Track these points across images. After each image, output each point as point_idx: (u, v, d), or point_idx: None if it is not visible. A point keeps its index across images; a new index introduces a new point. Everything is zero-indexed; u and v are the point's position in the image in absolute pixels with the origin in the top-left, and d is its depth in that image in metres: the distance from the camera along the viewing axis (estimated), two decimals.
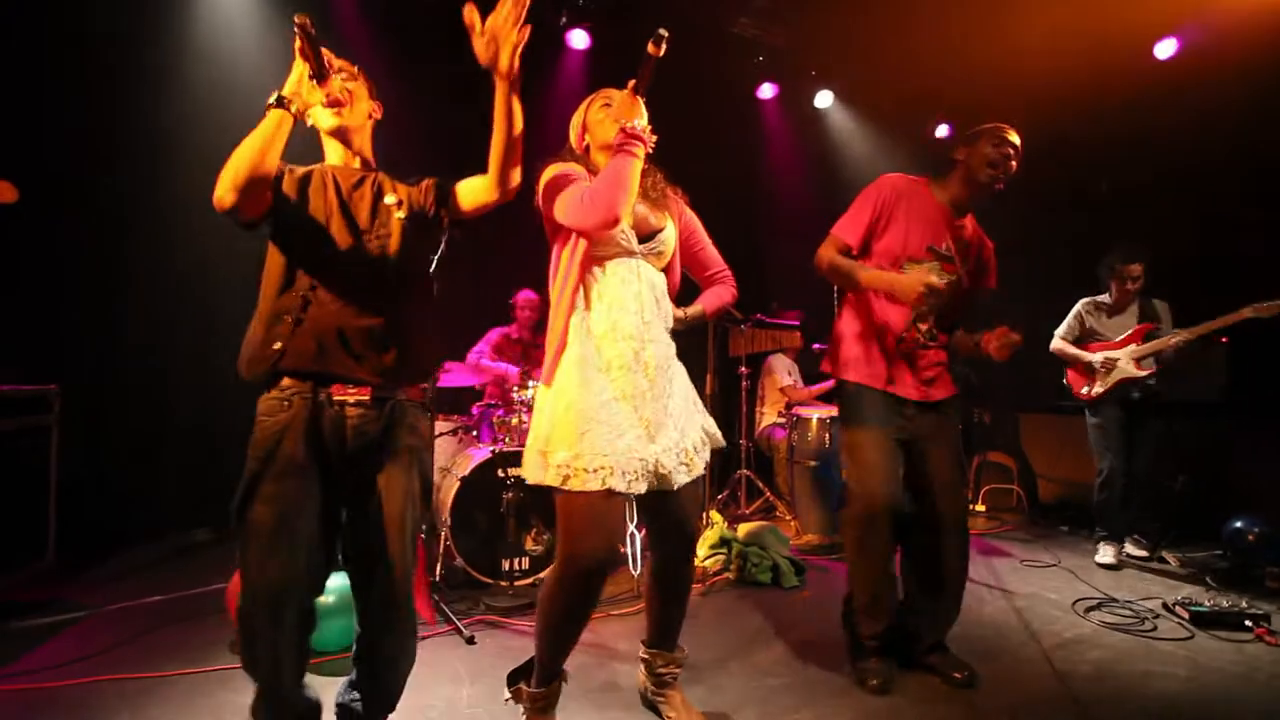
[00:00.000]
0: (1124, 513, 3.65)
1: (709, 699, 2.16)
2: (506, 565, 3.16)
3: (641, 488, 1.70)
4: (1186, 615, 2.82)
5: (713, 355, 3.83)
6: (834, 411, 4.10)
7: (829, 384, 4.86)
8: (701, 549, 3.57)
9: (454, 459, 3.58)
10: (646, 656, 2.04)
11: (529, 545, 3.21)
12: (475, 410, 3.86)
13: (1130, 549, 3.77)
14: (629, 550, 3.36)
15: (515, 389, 3.53)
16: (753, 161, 6.14)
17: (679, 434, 1.82)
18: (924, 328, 2.29)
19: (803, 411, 4.20)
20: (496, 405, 3.70)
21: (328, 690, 2.13)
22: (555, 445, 1.69)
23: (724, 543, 3.53)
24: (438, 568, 3.08)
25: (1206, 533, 3.82)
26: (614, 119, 1.82)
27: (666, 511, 1.85)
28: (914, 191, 2.31)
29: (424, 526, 3.12)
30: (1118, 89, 4.60)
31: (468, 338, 4.21)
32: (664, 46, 1.66)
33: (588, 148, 1.98)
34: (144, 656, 2.40)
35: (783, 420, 4.40)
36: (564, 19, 5.03)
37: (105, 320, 3.80)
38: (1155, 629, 2.74)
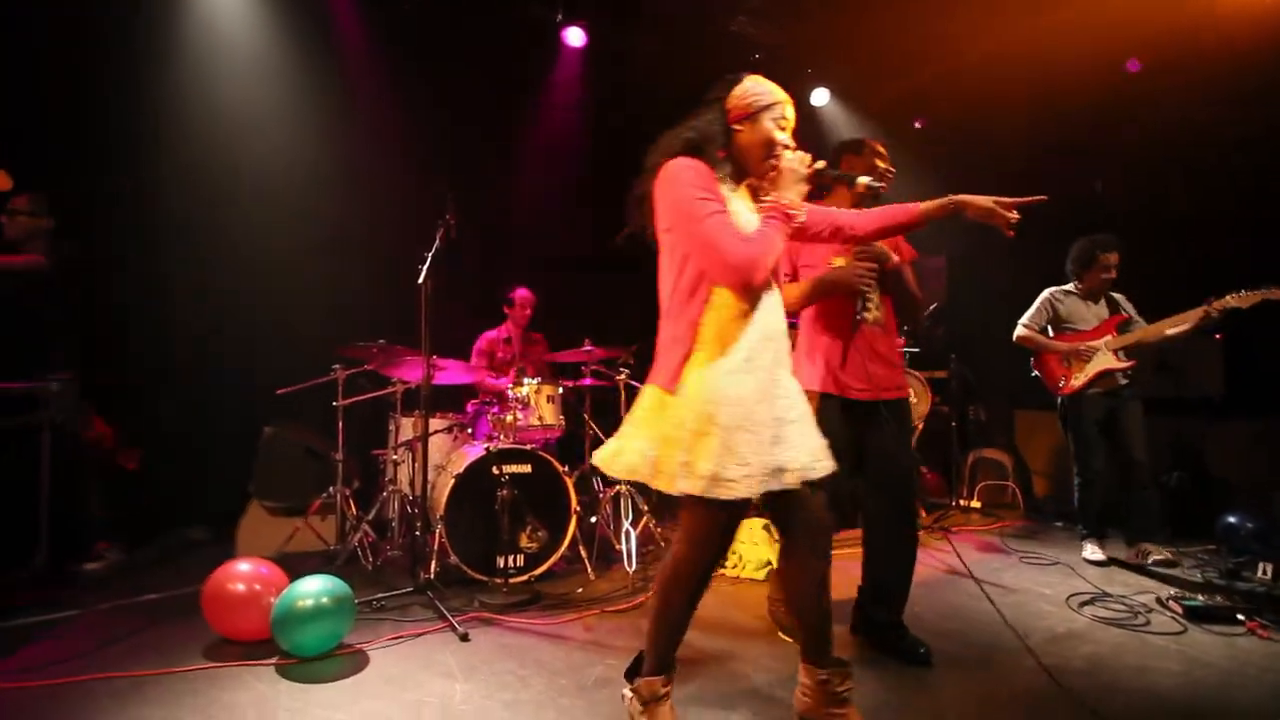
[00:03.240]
0: (1105, 511, 3.64)
1: (701, 695, 2.16)
2: (501, 562, 3.15)
3: (770, 487, 1.67)
4: (1179, 610, 2.82)
5: None
6: None
7: None
8: None
9: (449, 456, 3.58)
10: (825, 677, 1.87)
11: (524, 542, 3.21)
12: (470, 408, 3.86)
13: (1149, 558, 3.48)
14: (624, 548, 3.37)
15: (510, 387, 3.53)
16: None
17: (800, 435, 1.77)
18: (871, 307, 2.42)
19: None
20: (492, 403, 3.70)
21: (301, 695, 2.14)
22: (698, 455, 1.64)
23: None
24: (432, 565, 3.08)
25: (1199, 528, 3.82)
26: (781, 175, 1.80)
27: (799, 513, 1.81)
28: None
29: (418, 524, 3.12)
30: (1096, 91, 4.64)
31: (460, 335, 4.20)
32: (868, 192, 1.94)
33: (735, 132, 1.82)
34: (135, 655, 2.39)
35: None
36: (560, 15, 5.03)
37: (103, 320, 3.80)
38: (1148, 624, 2.74)
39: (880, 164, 2.48)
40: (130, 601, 2.92)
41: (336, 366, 3.58)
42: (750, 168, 1.85)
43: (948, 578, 3.38)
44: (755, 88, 1.83)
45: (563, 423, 3.68)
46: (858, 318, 2.36)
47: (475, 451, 3.27)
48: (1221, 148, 4.25)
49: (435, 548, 3.14)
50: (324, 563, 3.30)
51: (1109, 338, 3.56)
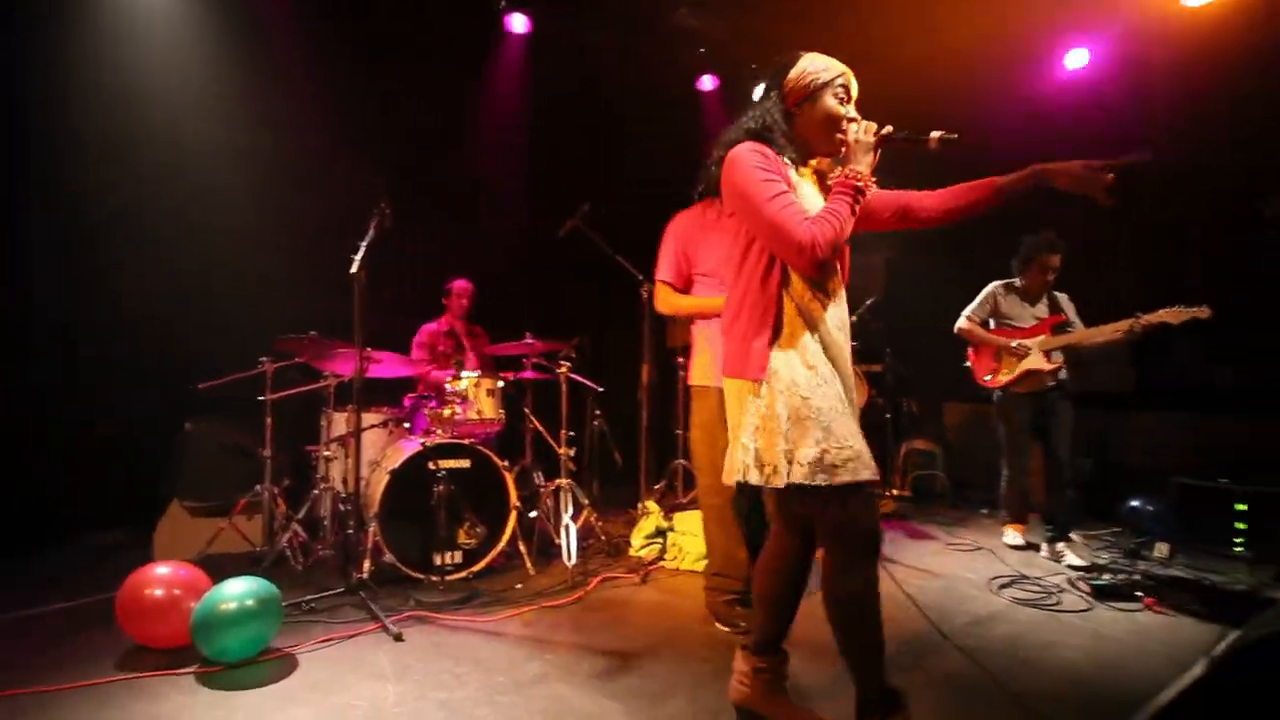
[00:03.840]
0: (1027, 502, 3.78)
1: (642, 686, 2.18)
2: (438, 560, 3.10)
3: (869, 473, 1.62)
4: (1088, 589, 3.01)
5: (649, 345, 3.85)
6: None
7: None
8: (636, 539, 3.60)
9: (384, 452, 3.49)
10: (761, 665, 1.86)
11: (462, 539, 3.16)
12: (407, 401, 3.77)
13: (1063, 559, 3.52)
14: (564, 542, 3.36)
15: (448, 380, 3.46)
16: (693, 153, 6.16)
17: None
18: None
19: None
20: (429, 397, 3.61)
21: (223, 704, 2.06)
22: (799, 443, 1.61)
23: (659, 533, 3.57)
24: (365, 564, 3.00)
25: (1106, 512, 4.08)
26: (849, 148, 1.73)
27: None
28: (705, 217, 2.71)
29: (351, 522, 3.04)
30: (1029, 94, 4.81)
31: (396, 327, 4.09)
32: (941, 147, 1.73)
33: (795, 115, 1.78)
34: (42, 668, 2.24)
35: None
36: (503, 2, 4.93)
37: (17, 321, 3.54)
38: (1060, 603, 2.91)
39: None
40: (37, 611, 2.74)
41: (264, 359, 3.44)
42: (816, 147, 1.81)
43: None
44: (811, 65, 1.77)
45: (503, 417, 3.63)
46: None
47: (411, 446, 3.19)
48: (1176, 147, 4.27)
49: (369, 546, 3.05)
50: (250, 564, 3.18)
51: (1043, 337, 3.57)
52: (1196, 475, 3.76)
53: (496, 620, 2.71)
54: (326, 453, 3.52)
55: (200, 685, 2.15)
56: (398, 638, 2.48)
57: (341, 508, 3.40)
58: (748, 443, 1.69)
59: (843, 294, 1.80)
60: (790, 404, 1.64)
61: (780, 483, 1.62)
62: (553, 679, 2.22)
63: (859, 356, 5.02)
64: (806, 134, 1.78)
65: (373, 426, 3.60)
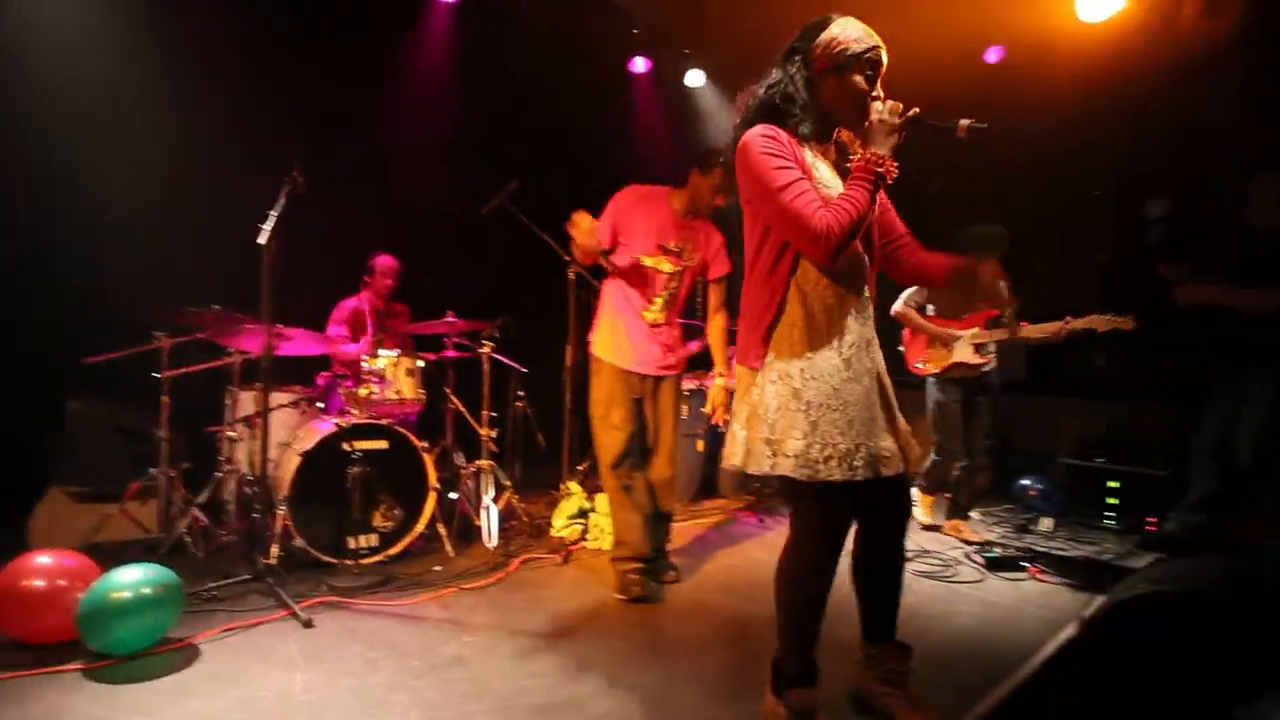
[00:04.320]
0: (947, 481, 3.87)
1: (561, 665, 2.20)
2: (352, 543, 3.01)
3: (861, 474, 1.59)
4: (980, 561, 3.24)
5: (573, 327, 3.82)
6: (694, 384, 4.26)
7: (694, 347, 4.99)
8: (558, 519, 3.60)
9: (295, 433, 3.34)
10: (875, 653, 1.89)
11: (378, 522, 3.08)
12: (320, 380, 3.61)
13: (961, 534, 3.73)
14: (484, 524, 3.33)
15: (364, 359, 3.34)
16: (623, 135, 6.13)
17: (888, 420, 1.72)
18: (658, 306, 2.86)
19: None
20: (345, 376, 3.47)
21: (109, 700, 1.94)
22: (785, 433, 1.60)
23: (581, 513, 3.58)
24: (273, 549, 2.87)
25: (1000, 490, 4.39)
26: (871, 129, 1.62)
27: (884, 497, 1.76)
28: (650, 199, 2.87)
29: (258, 505, 2.90)
30: (958, 81, 4.97)
31: (309, 303, 3.90)
32: (972, 135, 1.60)
33: (819, 84, 1.68)
34: None
35: None
36: None
37: None
38: (956, 575, 3.13)
39: (716, 183, 2.78)
40: None
41: (160, 334, 3.20)
42: (838, 121, 1.73)
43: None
44: (844, 33, 1.64)
45: (423, 397, 3.54)
46: (649, 314, 2.86)
47: (325, 427, 3.07)
48: (1083, 146, 4.45)
49: (278, 530, 2.92)
50: (144, 552, 2.98)
51: (975, 330, 3.59)
52: (1078, 456, 4.10)
53: (413, 604, 2.66)
54: (231, 434, 3.33)
55: (85, 681, 2.01)
56: (307, 624, 2.40)
57: (247, 491, 3.23)
58: (738, 430, 1.69)
59: (867, 287, 1.74)
60: (779, 394, 1.63)
61: (759, 470, 1.62)
62: (470, 660, 2.21)
63: None
64: (830, 106, 1.69)
65: (283, 406, 3.44)
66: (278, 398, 3.36)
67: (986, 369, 3.62)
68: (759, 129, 1.64)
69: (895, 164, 1.61)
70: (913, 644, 1.90)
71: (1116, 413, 4.24)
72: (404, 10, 4.87)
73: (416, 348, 3.80)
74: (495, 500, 3.45)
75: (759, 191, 1.62)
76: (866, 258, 1.75)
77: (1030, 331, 3.40)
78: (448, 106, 5.15)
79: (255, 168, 3.27)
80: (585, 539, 3.49)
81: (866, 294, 1.75)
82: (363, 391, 3.25)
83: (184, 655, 2.18)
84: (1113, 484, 3.92)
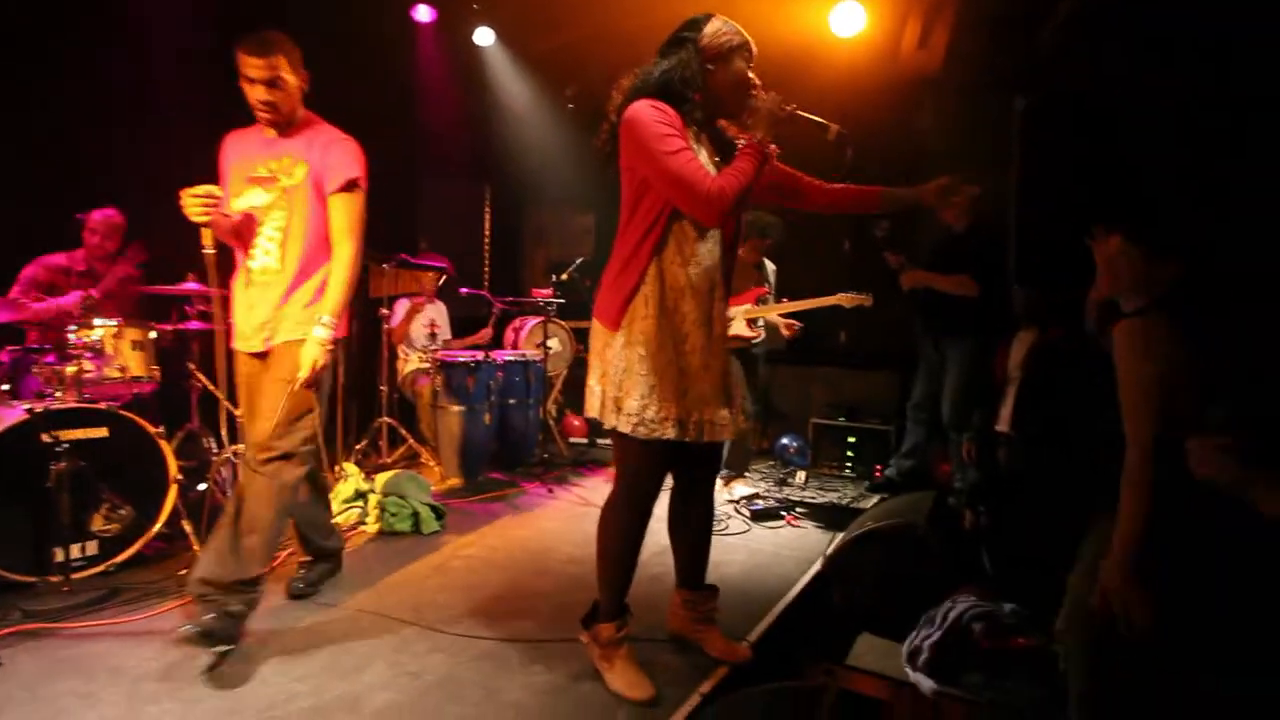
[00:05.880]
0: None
1: (337, 662, 2.03)
2: (60, 555, 2.47)
3: (692, 436, 1.81)
4: (748, 514, 3.61)
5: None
6: (480, 356, 4.15)
7: (483, 334, 4.88)
8: (334, 504, 3.31)
9: None
10: (690, 598, 2.18)
11: (98, 525, 2.57)
12: (5, 357, 2.90)
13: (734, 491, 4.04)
14: None
15: (74, 329, 2.74)
16: (407, 90, 5.67)
17: (725, 393, 1.91)
18: (262, 250, 2.25)
19: (448, 356, 4.13)
20: (43, 350, 2.82)
21: None
22: (627, 393, 1.78)
23: (359, 495, 3.34)
24: None
25: (766, 449, 4.92)
26: (753, 109, 1.82)
27: (702, 461, 2.05)
28: (243, 137, 2.31)
29: None
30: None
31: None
32: (841, 145, 1.87)
33: (709, 72, 1.82)
34: None
35: (427, 366, 4.27)
36: None
37: None
38: (727, 528, 3.44)
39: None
40: None
41: None
42: (724, 108, 1.88)
43: (584, 510, 3.73)
44: (725, 27, 1.83)
45: (157, 374, 3.01)
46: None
47: (12, 415, 2.47)
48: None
49: None
50: None
51: (748, 306, 3.86)
52: (825, 417, 4.72)
53: (146, 618, 2.28)
54: None
55: None
56: None
57: None
58: (594, 384, 1.89)
59: (721, 272, 1.90)
60: (628, 358, 1.80)
61: (607, 423, 1.83)
62: (225, 673, 1.95)
63: (566, 313, 5.25)
64: (718, 93, 1.84)
65: None
66: None
67: (756, 341, 3.99)
68: (648, 101, 1.75)
69: (776, 150, 1.87)
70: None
71: (855, 380, 4.95)
72: None
73: (147, 317, 3.21)
74: None
75: (647, 156, 1.72)
76: (723, 245, 1.92)
77: (791, 306, 3.86)
78: (201, 42, 4.23)
79: None
80: (364, 523, 3.26)
81: (719, 278, 1.91)
82: (70, 369, 2.67)
83: None
84: (851, 439, 4.59)
